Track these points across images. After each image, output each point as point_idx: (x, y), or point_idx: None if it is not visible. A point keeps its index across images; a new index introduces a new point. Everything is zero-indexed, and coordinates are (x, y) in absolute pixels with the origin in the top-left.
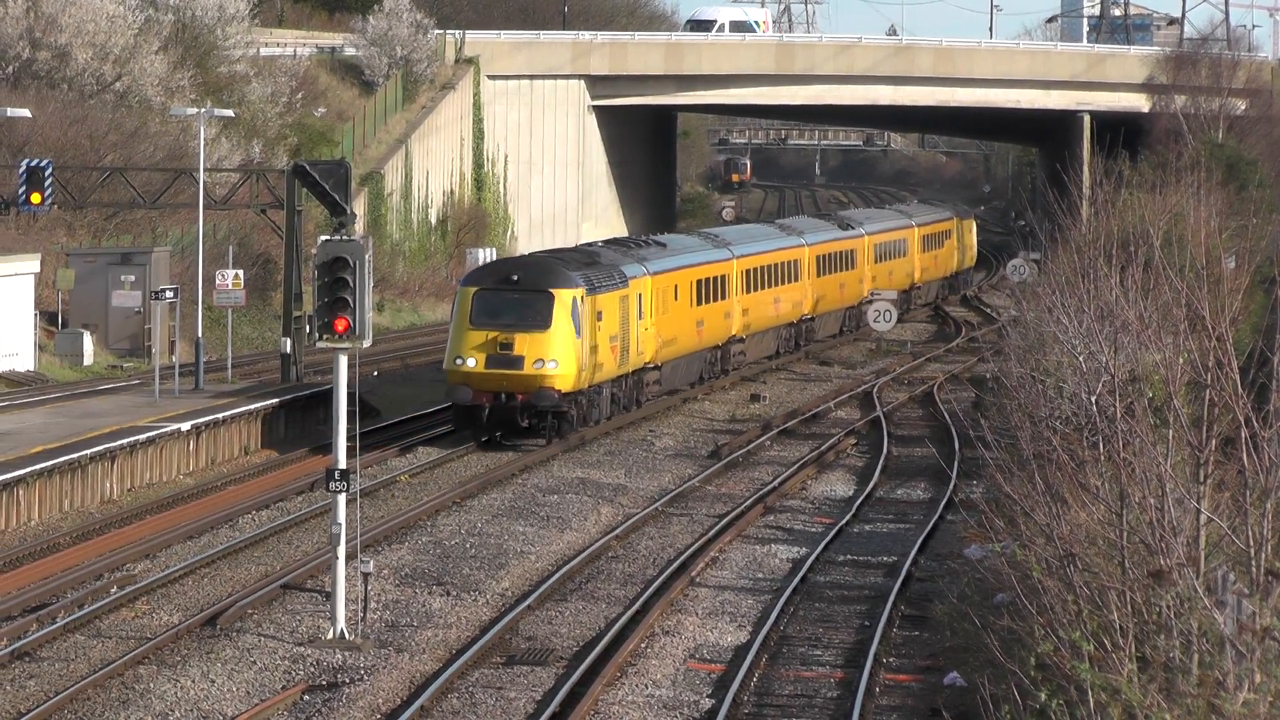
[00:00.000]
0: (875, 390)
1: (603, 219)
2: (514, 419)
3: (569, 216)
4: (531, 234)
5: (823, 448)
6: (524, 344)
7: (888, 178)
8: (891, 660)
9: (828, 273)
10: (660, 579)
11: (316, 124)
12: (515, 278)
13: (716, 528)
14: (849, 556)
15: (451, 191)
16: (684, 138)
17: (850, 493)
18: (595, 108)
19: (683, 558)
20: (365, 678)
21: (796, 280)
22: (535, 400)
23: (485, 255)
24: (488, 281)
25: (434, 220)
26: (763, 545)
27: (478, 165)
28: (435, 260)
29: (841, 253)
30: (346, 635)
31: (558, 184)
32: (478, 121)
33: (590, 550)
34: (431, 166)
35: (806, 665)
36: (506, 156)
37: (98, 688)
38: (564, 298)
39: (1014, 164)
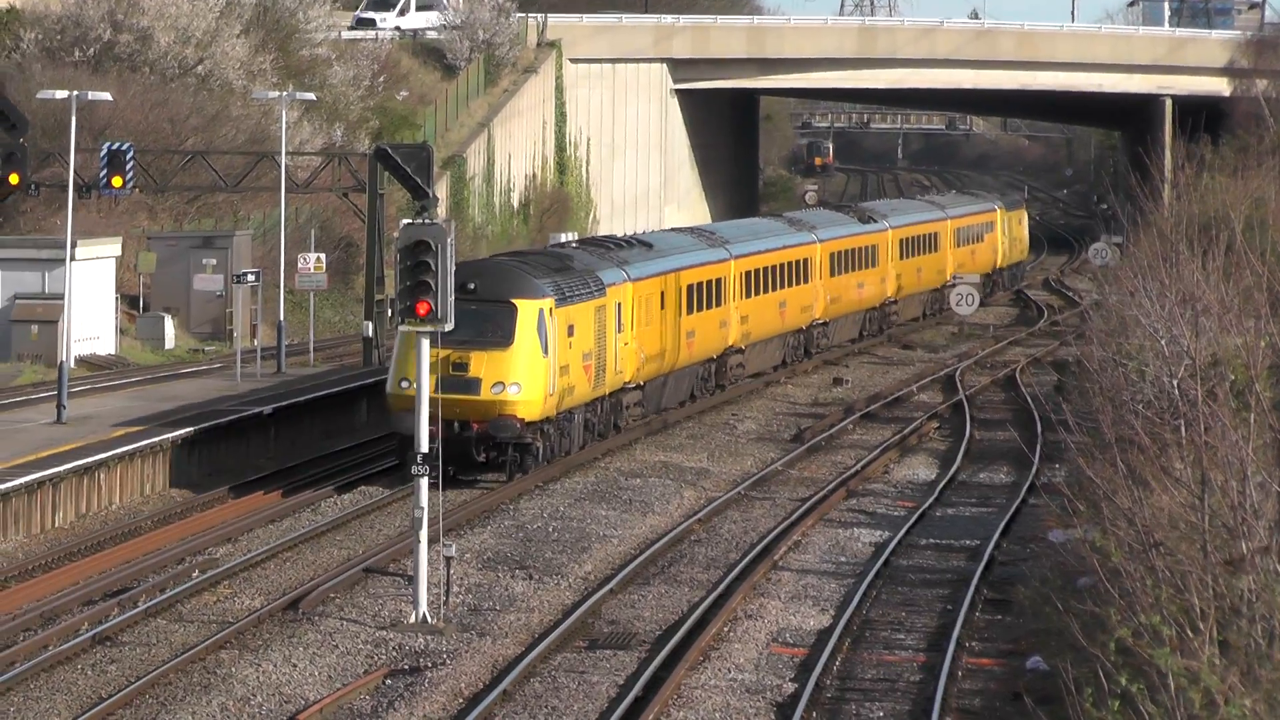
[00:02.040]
0: (958, 374)
1: (685, 202)
2: (469, 452)
3: (651, 200)
4: (614, 218)
5: (905, 431)
6: (481, 364)
7: (970, 162)
8: (974, 644)
9: (843, 272)
10: (743, 563)
11: (398, 107)
12: (472, 286)
13: (799, 511)
14: (931, 540)
15: (534, 175)
16: (766, 121)
17: (933, 476)
18: (677, 91)
19: (765, 541)
20: (447, 661)
21: (806, 282)
22: (494, 430)
23: (568, 238)
24: None
25: (516, 204)
26: (845, 529)
27: (560, 149)
28: (518, 244)
29: (860, 249)
30: (429, 619)
31: (640, 168)
32: (560, 105)
33: (673, 534)
34: (514, 150)
35: (889, 649)
36: (589, 140)
37: (179, 672)
38: (529, 310)
39: (1096, 148)
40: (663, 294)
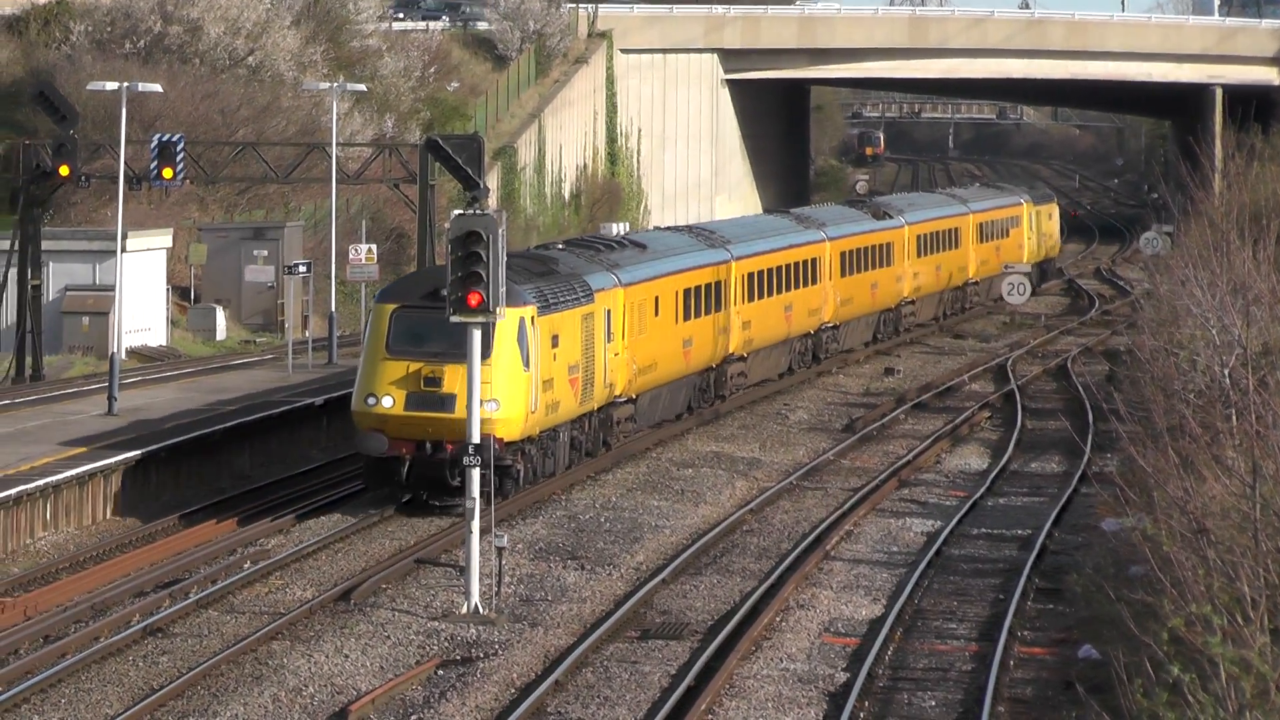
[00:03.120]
0: (1009, 363)
1: (736, 192)
2: (442, 475)
3: (702, 190)
4: (664, 208)
5: (957, 421)
6: (455, 378)
7: (1021, 151)
8: (1026, 633)
9: (855, 271)
10: (795, 552)
11: (449, 98)
12: (444, 292)
13: (851, 501)
14: (983, 530)
15: (585, 165)
16: (817, 111)
17: (984, 466)
18: (728, 81)
19: (817, 531)
20: (499, 652)
21: (814, 283)
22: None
23: (619, 229)
24: (410, 297)
25: (567, 194)
26: (897, 518)
27: (611, 139)
28: (569, 234)
29: (873, 248)
30: (481, 610)
31: (691, 158)
32: (611, 95)
33: (725, 524)
34: (565, 140)
35: (941, 638)
36: (640, 130)
37: (231, 663)
38: (509, 319)
39: (1147, 137)
40: (657, 299)
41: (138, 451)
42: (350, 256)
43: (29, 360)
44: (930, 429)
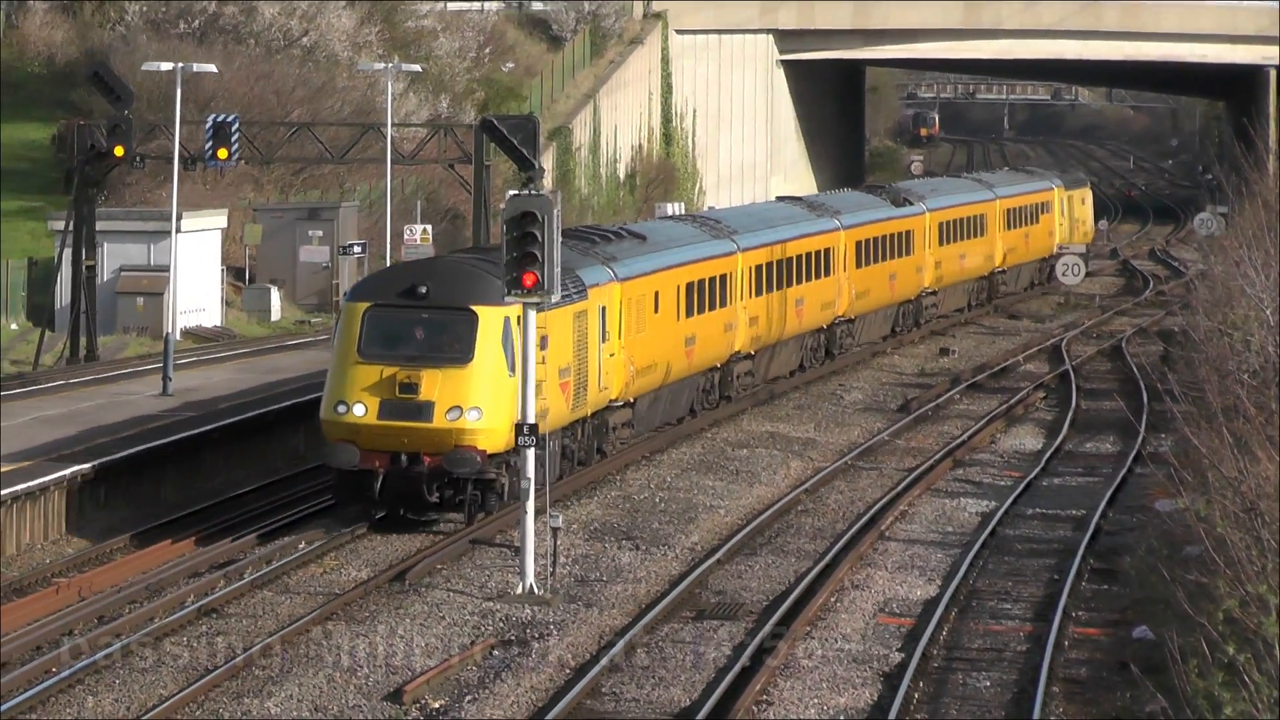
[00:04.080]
0: (1064, 344)
1: (791, 173)
2: (419, 491)
3: (757, 171)
4: (719, 189)
5: (1011, 401)
6: (434, 385)
7: (1075, 132)
8: (1080, 614)
9: (872, 262)
10: (849, 533)
11: (504, 79)
12: (423, 290)
13: (906, 481)
14: (1038, 510)
15: (640, 146)
16: (872, 92)
17: (1039, 446)
18: (783, 62)
19: (872, 511)
20: (554, 632)
21: (828, 275)
22: (450, 465)
23: (674, 209)
24: (384, 295)
25: (622, 175)
26: (952, 499)
27: (666, 120)
28: (624, 215)
29: (892, 236)
30: (535, 590)
31: (746, 139)
32: (665, 76)
33: (779, 504)
34: (619, 121)
35: (996, 619)
36: (695, 111)
37: (285, 643)
38: (492, 318)
39: (1201, 118)
40: (657, 295)
41: (192, 431)
42: (405, 237)
43: (83, 341)
44: (985, 409)
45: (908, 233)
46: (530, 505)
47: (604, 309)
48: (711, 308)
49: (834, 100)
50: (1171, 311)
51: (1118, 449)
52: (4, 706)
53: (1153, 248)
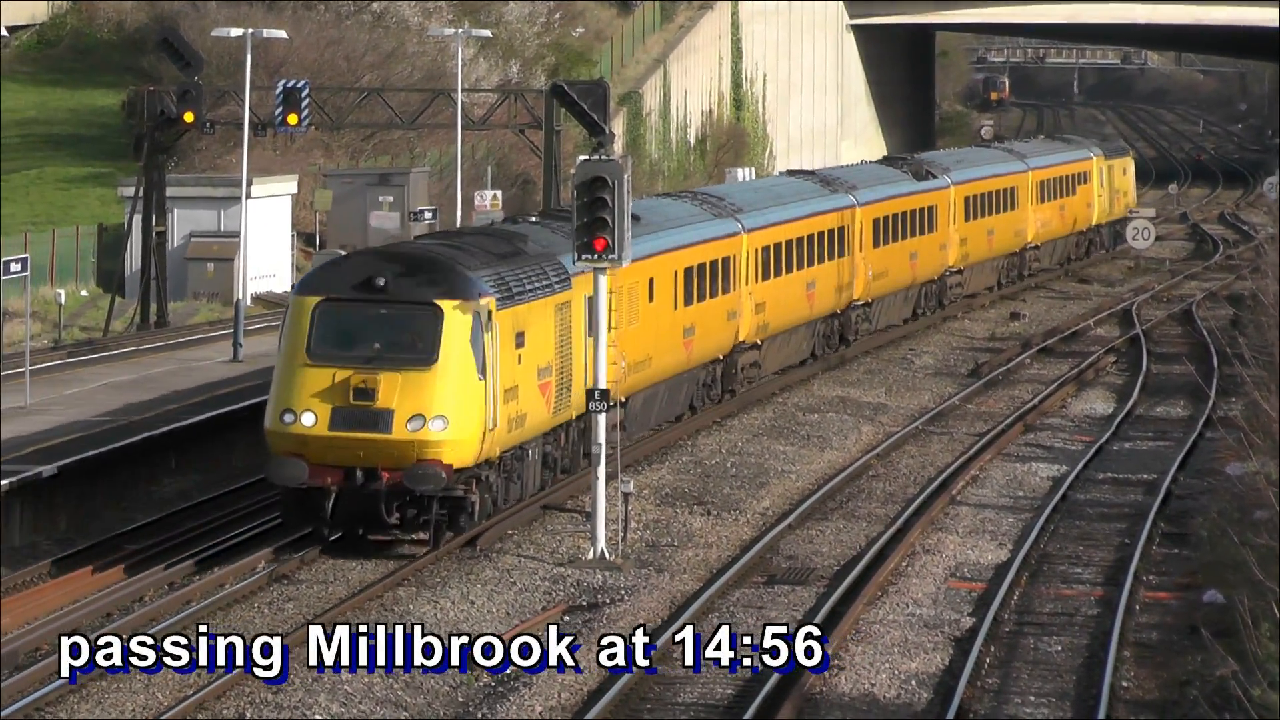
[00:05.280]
0: (1134, 308)
1: (862, 138)
2: (376, 510)
3: (828, 136)
4: (790, 153)
5: (1082, 365)
6: (393, 390)
7: (1144, 96)
8: (1151, 578)
9: (891, 240)
10: (921, 497)
11: (574, 44)
12: (381, 282)
13: (977, 446)
14: (1109, 474)
15: (710, 111)
16: (942, 57)
17: (1109, 410)
18: (853, 27)
19: (943, 476)
20: (625, 597)
21: (842, 255)
22: (411, 481)
23: (744, 175)
24: (337, 287)
25: (692, 140)
26: (1023, 463)
27: (736, 85)
28: (694, 180)
29: (913, 212)
30: (607, 555)
31: (816, 104)
32: (736, 41)
33: (850, 469)
34: (690, 86)
35: (1066, 583)
36: (765, 76)
37: (356, 610)
38: (459, 314)
39: (1270, 82)
40: (652, 281)
41: (261, 399)
42: (476, 203)
43: (154, 307)
44: (1056, 374)
45: (930, 208)
46: (601, 470)
47: (590, 299)
48: (713, 294)
49: (904, 65)
50: (1241, 275)
51: (1188, 413)
52: None
53: (1222, 211)
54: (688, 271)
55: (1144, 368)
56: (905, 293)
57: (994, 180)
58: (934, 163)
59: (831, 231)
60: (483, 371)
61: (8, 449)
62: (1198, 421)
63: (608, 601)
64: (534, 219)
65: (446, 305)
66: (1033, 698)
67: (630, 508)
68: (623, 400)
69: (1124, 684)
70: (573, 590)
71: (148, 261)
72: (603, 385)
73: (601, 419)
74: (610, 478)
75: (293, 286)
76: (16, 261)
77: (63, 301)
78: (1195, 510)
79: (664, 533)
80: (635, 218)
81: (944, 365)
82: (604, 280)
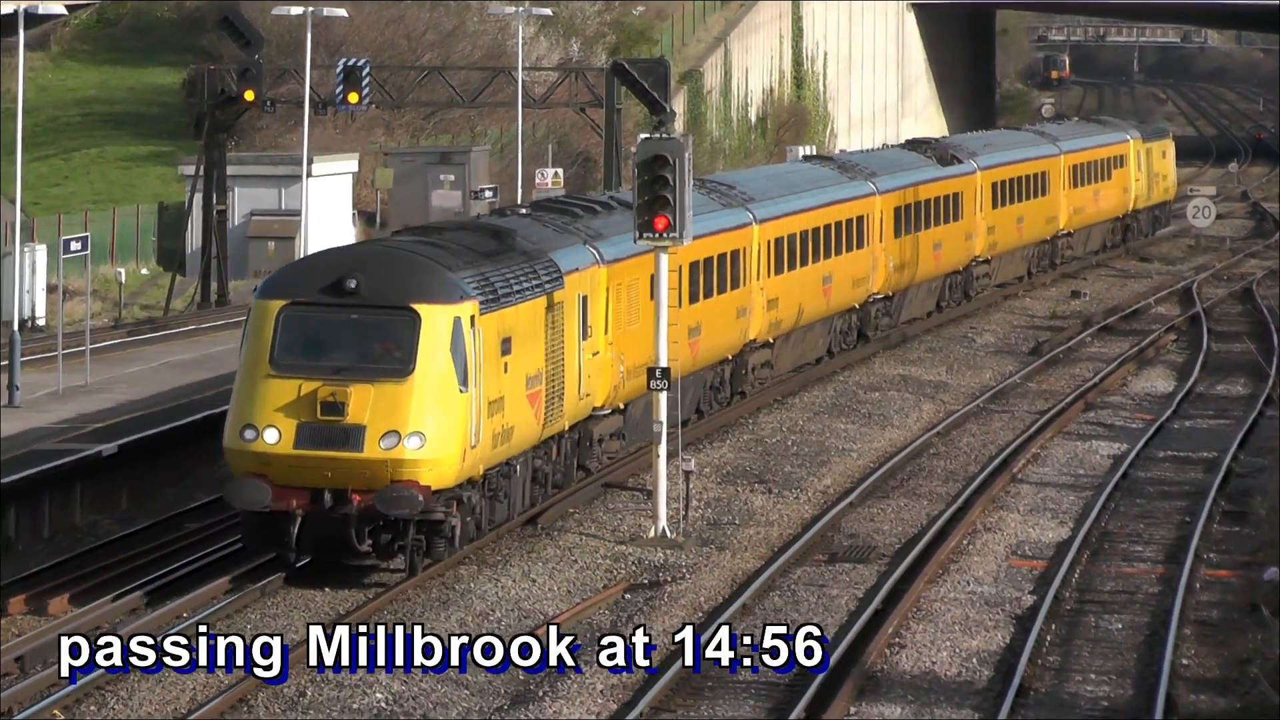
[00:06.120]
0: (1194, 286)
1: (922, 116)
2: (345, 536)
3: (888, 114)
4: (851, 131)
5: (1143, 344)
6: (364, 404)
7: (1204, 75)
8: (1211, 556)
9: (913, 229)
10: (981, 475)
11: (635, 22)
12: (352, 284)
13: (1037, 424)
14: (1169, 452)
15: (771, 89)
16: (1002, 35)
17: (1170, 389)
18: (914, 5)
19: (1004, 454)
20: (687, 575)
21: (861, 246)
22: (384, 505)
23: (805, 152)
24: (303, 290)
25: (753, 118)
26: (1084, 441)
27: (797, 63)
28: (755, 159)
29: (937, 200)
30: (668, 533)
31: (877, 82)
32: (796, 20)
33: (911, 447)
34: (750, 64)
35: (1127, 561)
36: (825, 54)
37: (418, 588)
38: (438, 319)
39: None
40: (653, 278)
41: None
42: (537, 181)
43: (214, 285)
44: (1116, 352)
45: (956, 195)
46: (663, 449)
47: (585, 298)
48: (721, 290)
49: (964, 43)
50: None
51: (1249, 391)
52: None
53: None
54: (693, 266)
55: (1204, 346)
56: (929, 284)
57: (1024, 165)
58: (960, 147)
59: (850, 221)
60: (464, 382)
61: (68, 427)
62: (1258, 400)
63: (669, 579)
64: (524, 211)
65: (424, 310)
66: (1093, 675)
67: (692, 486)
68: (621, 407)
69: (1184, 662)
70: (634, 568)
71: (208, 240)
72: (664, 363)
73: (662, 398)
74: (671, 456)
75: (254, 289)
76: (77, 240)
77: (123, 280)
78: (1255, 488)
79: (725, 511)
80: (632, 208)
81: (1005, 343)
82: (665, 260)
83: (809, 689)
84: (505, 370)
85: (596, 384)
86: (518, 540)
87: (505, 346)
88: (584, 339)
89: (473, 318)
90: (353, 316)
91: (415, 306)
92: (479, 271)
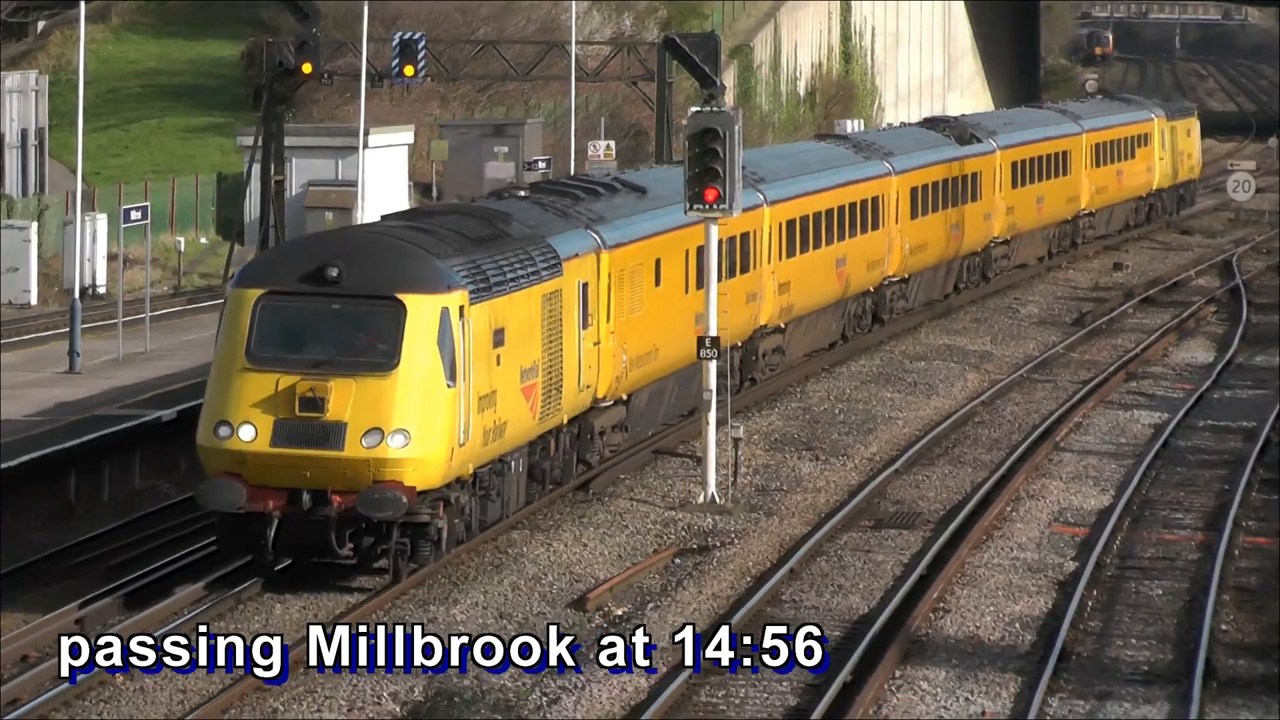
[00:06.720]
0: (1235, 259)
1: (968, 90)
2: (325, 539)
3: (935, 88)
4: (898, 105)
5: (1183, 315)
6: (345, 399)
7: (1245, 51)
8: (1250, 523)
9: (930, 211)
10: (1025, 444)
11: None
12: (334, 272)
13: (1080, 393)
14: (1209, 422)
15: (819, 64)
16: (1047, 11)
17: (1210, 359)
18: None
19: (1047, 423)
20: (735, 541)
21: (876, 228)
22: (365, 507)
23: (853, 126)
24: (282, 278)
25: (802, 92)
26: (1125, 410)
27: (845, 38)
28: (804, 132)
29: (954, 180)
30: (717, 499)
31: (924, 56)
32: None
33: (956, 415)
34: (800, 39)
35: (1168, 528)
36: (873, 29)
37: (471, 553)
38: (425, 310)
39: None
40: (659, 263)
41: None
42: (589, 153)
43: None
44: (1158, 323)
45: (974, 175)
46: (712, 416)
47: (585, 286)
48: (730, 274)
49: (1010, 18)
50: None
51: None
52: None
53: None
54: (701, 250)
55: (1244, 318)
56: (946, 266)
57: (1045, 144)
58: (980, 125)
59: (864, 202)
60: (452, 377)
61: (128, 393)
62: None
63: (718, 545)
64: (523, 194)
65: (410, 300)
66: (1134, 640)
67: (740, 453)
68: (624, 398)
69: (1223, 627)
70: (683, 534)
71: (266, 209)
72: (714, 332)
73: (712, 366)
74: (720, 423)
75: (231, 278)
76: (137, 209)
77: (182, 249)
78: None
79: (773, 477)
80: (641, 190)
81: (1048, 314)
82: (714, 232)
83: (854, 653)
84: (498, 363)
85: (598, 375)
86: (569, 505)
87: (498, 338)
88: (584, 328)
89: (462, 308)
90: (334, 307)
91: (400, 296)
92: (470, 259)
